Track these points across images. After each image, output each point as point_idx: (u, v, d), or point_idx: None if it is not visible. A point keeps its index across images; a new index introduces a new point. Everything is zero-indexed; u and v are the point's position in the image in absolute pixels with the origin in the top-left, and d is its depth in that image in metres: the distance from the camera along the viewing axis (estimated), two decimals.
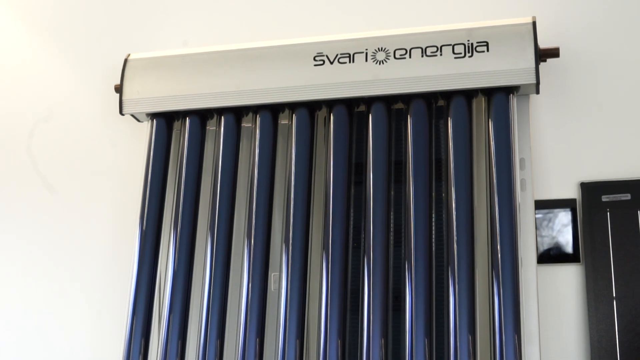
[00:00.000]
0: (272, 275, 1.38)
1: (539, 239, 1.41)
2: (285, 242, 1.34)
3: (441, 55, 1.35)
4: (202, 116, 1.47)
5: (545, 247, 1.41)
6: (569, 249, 1.41)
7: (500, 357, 1.19)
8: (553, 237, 1.42)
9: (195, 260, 1.40)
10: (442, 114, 1.40)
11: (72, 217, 1.61)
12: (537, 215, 1.42)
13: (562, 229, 1.42)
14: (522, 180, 1.36)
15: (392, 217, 1.34)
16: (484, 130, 1.37)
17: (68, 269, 1.58)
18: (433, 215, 1.31)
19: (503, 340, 1.20)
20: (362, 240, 1.33)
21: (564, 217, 1.42)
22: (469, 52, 1.34)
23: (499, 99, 1.33)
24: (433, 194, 1.33)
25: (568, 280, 1.40)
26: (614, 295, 1.36)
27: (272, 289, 1.37)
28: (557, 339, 1.37)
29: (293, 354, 1.25)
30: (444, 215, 1.33)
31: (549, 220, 1.42)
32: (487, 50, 1.33)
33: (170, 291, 1.34)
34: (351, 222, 1.35)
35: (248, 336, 1.28)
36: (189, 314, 1.35)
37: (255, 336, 1.28)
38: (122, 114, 1.50)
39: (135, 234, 1.41)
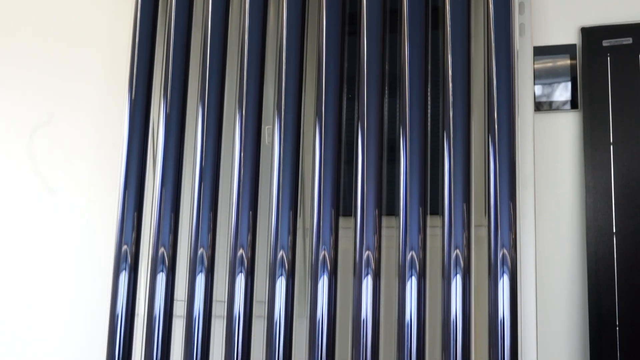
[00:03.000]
0: (266, 129, 1.36)
1: (537, 86, 1.39)
2: (278, 93, 1.31)
3: None
4: None
5: (544, 94, 1.39)
6: (567, 96, 1.39)
7: (495, 200, 1.19)
8: (551, 84, 1.39)
9: (186, 125, 1.36)
10: None
11: (66, 73, 1.58)
12: (536, 63, 1.39)
13: (561, 76, 1.39)
14: (521, 25, 1.32)
15: (386, 67, 1.31)
16: None
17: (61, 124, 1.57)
18: (429, 64, 1.28)
19: (498, 185, 1.20)
20: (357, 91, 1.30)
21: (563, 63, 1.39)
22: None
23: None
24: (429, 42, 1.29)
25: (565, 127, 1.38)
26: (611, 140, 1.35)
27: (267, 142, 1.36)
28: (552, 184, 1.37)
29: (287, 212, 1.25)
30: (440, 63, 1.30)
31: (548, 67, 1.39)
32: None
33: (162, 162, 1.31)
34: (345, 73, 1.33)
35: (241, 207, 1.27)
36: (181, 186, 1.32)
37: (248, 209, 1.27)
38: None
39: (125, 102, 1.37)
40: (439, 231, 1.24)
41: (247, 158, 1.28)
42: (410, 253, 1.18)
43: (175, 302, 1.26)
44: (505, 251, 1.16)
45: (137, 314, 1.27)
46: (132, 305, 1.23)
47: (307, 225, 1.30)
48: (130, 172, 1.28)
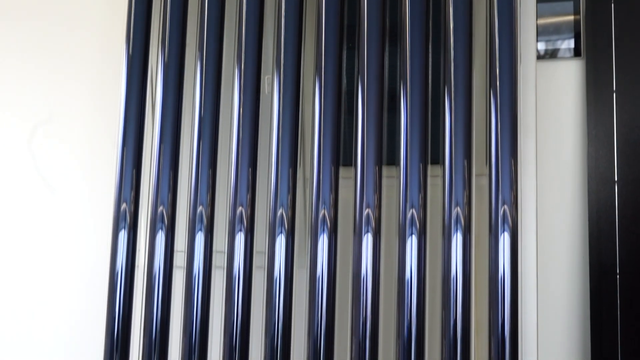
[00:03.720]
0: (266, 78, 1.34)
1: (540, 34, 1.36)
2: (277, 43, 1.29)
3: None
4: None
5: (546, 42, 1.37)
6: (570, 43, 1.36)
7: (496, 152, 1.18)
8: (554, 31, 1.36)
9: (185, 79, 1.34)
10: None
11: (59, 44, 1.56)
12: (539, 11, 1.36)
13: (564, 23, 1.36)
14: None
15: (387, 16, 1.28)
16: None
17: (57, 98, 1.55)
18: (430, 13, 1.26)
19: (499, 135, 1.19)
20: (357, 40, 1.27)
21: (566, 9, 1.36)
22: None
23: None
24: None
25: (568, 75, 1.36)
26: (614, 88, 1.33)
27: (266, 92, 1.34)
28: (554, 133, 1.36)
29: (287, 169, 1.24)
30: (441, 11, 1.27)
31: (551, 13, 1.36)
32: None
33: (160, 118, 1.29)
34: (345, 22, 1.30)
35: (240, 164, 1.25)
36: (180, 143, 1.31)
37: (247, 167, 1.25)
38: None
39: (122, 57, 1.34)
40: (439, 181, 1.23)
41: (247, 109, 1.27)
42: (411, 211, 1.18)
43: (175, 252, 1.26)
44: (506, 208, 1.16)
45: (137, 266, 1.27)
46: (132, 262, 1.24)
47: (308, 175, 1.29)
48: (128, 129, 1.27)
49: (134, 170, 1.27)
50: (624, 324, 1.29)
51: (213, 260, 1.24)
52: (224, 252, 1.23)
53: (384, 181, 1.23)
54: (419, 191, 1.17)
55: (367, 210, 1.18)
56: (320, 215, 1.19)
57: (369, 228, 1.18)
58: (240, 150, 1.24)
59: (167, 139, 1.27)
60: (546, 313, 1.32)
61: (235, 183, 1.23)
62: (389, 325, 1.22)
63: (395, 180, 1.23)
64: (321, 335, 1.18)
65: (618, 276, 1.31)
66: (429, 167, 1.22)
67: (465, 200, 1.17)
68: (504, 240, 1.16)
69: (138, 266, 1.27)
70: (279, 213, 1.20)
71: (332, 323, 1.20)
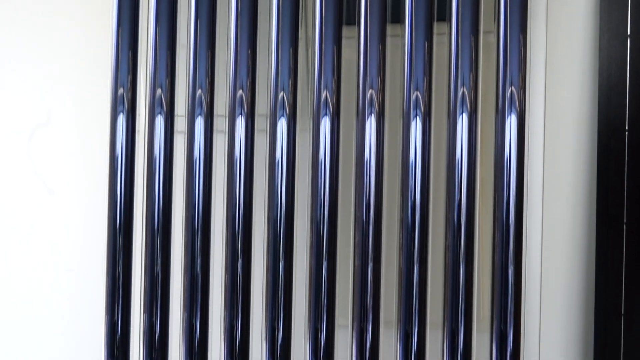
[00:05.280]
0: None
1: None
2: None
3: None
4: None
5: None
6: None
7: (504, 31, 1.15)
8: None
9: None
10: None
11: None
12: None
13: None
14: None
15: None
16: None
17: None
18: None
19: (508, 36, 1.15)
20: None
21: None
22: None
23: None
24: None
25: None
26: None
27: None
28: (565, 22, 1.31)
29: (287, 49, 1.19)
30: None
31: None
32: None
33: None
34: None
35: (240, 45, 1.21)
36: (176, 22, 1.25)
37: (247, 47, 1.20)
38: None
39: None
40: (445, 39, 1.20)
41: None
42: (415, 93, 1.15)
43: (176, 117, 1.23)
44: (513, 89, 1.13)
45: (137, 151, 1.25)
46: (131, 147, 1.22)
47: (309, 35, 1.25)
48: (123, 8, 1.22)
49: (131, 52, 1.23)
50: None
51: (214, 144, 1.22)
52: (224, 133, 1.21)
53: (388, 40, 1.19)
54: (424, 55, 1.14)
55: (370, 91, 1.15)
56: (323, 97, 1.16)
57: (372, 110, 1.16)
58: (239, 26, 1.20)
59: (164, 18, 1.22)
60: (552, 194, 1.32)
61: (234, 64, 1.19)
62: (392, 210, 1.22)
63: (399, 39, 1.20)
64: (324, 220, 1.18)
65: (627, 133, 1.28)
66: (435, 24, 1.18)
67: (471, 63, 1.14)
68: (511, 122, 1.14)
69: (138, 152, 1.24)
70: (279, 96, 1.18)
71: (335, 209, 1.19)
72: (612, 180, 1.29)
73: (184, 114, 1.23)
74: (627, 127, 1.28)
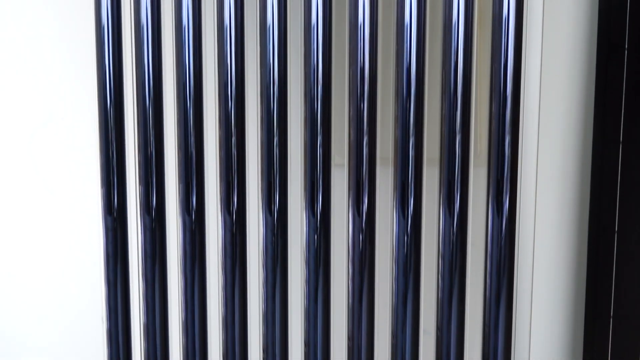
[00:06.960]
0: None
1: None
2: None
3: None
4: None
5: None
6: None
7: None
8: None
9: None
10: None
11: None
12: None
13: None
14: None
15: None
16: None
17: None
18: None
19: None
20: None
21: None
22: None
23: None
24: None
25: None
26: None
27: None
28: None
29: None
30: None
31: None
32: None
33: None
34: None
35: None
36: None
37: None
38: None
39: None
40: None
41: None
42: None
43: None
44: None
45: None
46: (117, 15, 1.17)
47: None
48: None
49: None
50: None
51: (202, 9, 1.18)
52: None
53: None
54: None
55: None
56: None
57: None
58: None
59: None
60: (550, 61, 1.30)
61: None
62: (387, 77, 1.19)
63: None
64: (318, 89, 1.15)
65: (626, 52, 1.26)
66: None
67: None
68: None
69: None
70: None
71: (329, 78, 1.17)
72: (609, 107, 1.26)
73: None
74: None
